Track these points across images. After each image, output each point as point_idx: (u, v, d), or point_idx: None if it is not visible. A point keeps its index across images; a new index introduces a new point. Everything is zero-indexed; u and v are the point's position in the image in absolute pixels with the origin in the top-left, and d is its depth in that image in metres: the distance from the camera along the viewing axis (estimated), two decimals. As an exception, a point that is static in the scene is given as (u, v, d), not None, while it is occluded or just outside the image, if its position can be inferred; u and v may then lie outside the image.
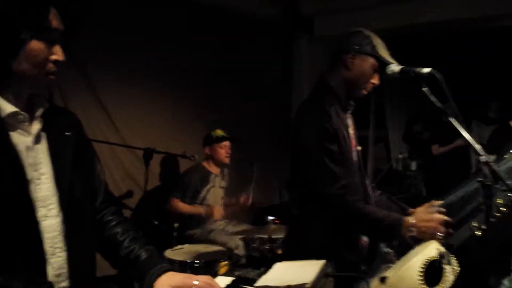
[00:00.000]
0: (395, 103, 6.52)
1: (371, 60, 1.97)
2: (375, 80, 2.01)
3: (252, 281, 1.39)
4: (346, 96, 2.05)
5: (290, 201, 2.15)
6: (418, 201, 2.19)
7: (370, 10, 4.87)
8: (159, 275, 1.33)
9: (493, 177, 1.54)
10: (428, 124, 5.63)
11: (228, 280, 1.44)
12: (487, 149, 3.81)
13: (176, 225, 3.27)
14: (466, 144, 1.66)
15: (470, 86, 5.56)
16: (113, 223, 1.44)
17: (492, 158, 1.59)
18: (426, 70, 1.73)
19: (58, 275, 1.25)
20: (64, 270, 1.26)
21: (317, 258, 1.51)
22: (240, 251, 3.28)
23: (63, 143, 1.32)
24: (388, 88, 6.14)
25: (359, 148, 2.14)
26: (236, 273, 1.49)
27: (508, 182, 1.60)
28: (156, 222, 3.38)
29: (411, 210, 2.12)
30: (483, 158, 1.55)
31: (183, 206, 3.62)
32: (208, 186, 3.77)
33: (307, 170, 1.97)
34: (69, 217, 1.28)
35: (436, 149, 5.36)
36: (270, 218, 3.13)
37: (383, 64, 1.95)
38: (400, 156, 5.91)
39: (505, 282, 2.44)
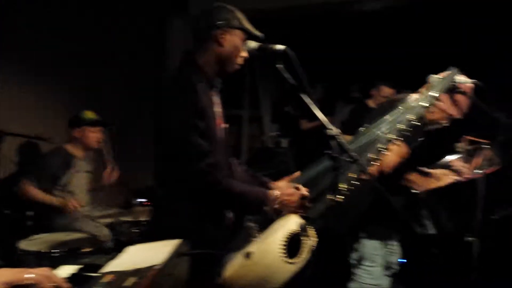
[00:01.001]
0: (268, 82, 6.68)
1: (240, 34, 1.98)
2: (245, 53, 2.02)
3: (100, 267, 1.31)
4: (216, 73, 2.04)
5: (155, 181, 2.09)
6: (286, 177, 2.26)
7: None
8: None
9: (340, 149, 1.63)
10: (298, 102, 5.85)
11: (73, 269, 1.34)
12: (346, 127, 4.08)
13: (29, 213, 2.98)
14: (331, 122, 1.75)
15: (337, 68, 5.94)
16: None
17: (339, 132, 1.67)
18: (281, 47, 1.76)
19: None
20: None
21: (182, 237, 1.48)
22: (107, 238, 3.13)
23: None
24: (261, 67, 6.27)
25: (225, 126, 2.14)
26: (83, 260, 1.40)
27: (354, 154, 1.71)
28: (7, 211, 3.05)
29: (273, 184, 2.18)
30: (330, 132, 1.63)
31: (35, 193, 3.28)
32: (71, 171, 3.51)
33: (174, 148, 1.92)
34: None
35: (305, 124, 5.58)
36: (138, 200, 3.02)
37: (250, 38, 1.98)
38: (273, 134, 6.11)
39: (360, 247, 2.65)
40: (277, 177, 2.26)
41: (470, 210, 2.32)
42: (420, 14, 4.98)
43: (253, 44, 1.94)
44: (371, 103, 4.44)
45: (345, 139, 2.18)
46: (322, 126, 1.65)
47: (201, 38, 2.01)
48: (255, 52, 1.93)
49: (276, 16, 5.21)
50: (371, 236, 2.61)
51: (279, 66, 1.76)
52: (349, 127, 3.62)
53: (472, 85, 2.34)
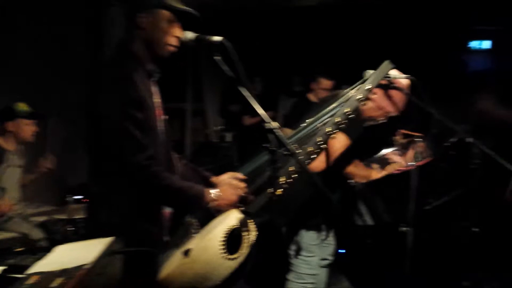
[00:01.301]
0: (211, 75, 6.61)
1: (164, 13, 1.89)
2: (177, 33, 1.92)
3: (26, 268, 1.24)
4: (150, 59, 1.95)
5: (89, 175, 1.99)
6: (230, 171, 2.23)
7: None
8: None
9: (278, 143, 1.63)
10: (239, 95, 5.84)
11: (-4, 270, 1.26)
12: (288, 121, 4.11)
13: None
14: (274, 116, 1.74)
15: (279, 62, 5.99)
16: None
17: (277, 125, 1.67)
18: (218, 38, 1.73)
19: None
20: None
21: (117, 234, 1.43)
22: (40, 238, 2.98)
23: None
24: (204, 60, 6.20)
25: (164, 117, 2.08)
26: (9, 261, 1.32)
27: (291, 147, 1.71)
28: None
29: (213, 179, 2.15)
30: (267, 126, 1.62)
31: None
32: (3, 166, 3.32)
33: (110, 140, 1.84)
34: None
35: (247, 120, 5.58)
36: (72, 197, 2.89)
37: (179, 15, 1.89)
38: (217, 128, 6.07)
39: (298, 238, 2.68)
40: (220, 172, 2.23)
41: (404, 201, 2.40)
42: (356, 9, 5.15)
43: (189, 35, 1.88)
44: (312, 97, 4.49)
45: (285, 133, 2.20)
46: (261, 120, 1.64)
47: (129, 25, 1.93)
48: (192, 43, 1.88)
49: (216, 8, 5.16)
50: (308, 227, 2.65)
51: (217, 58, 1.73)
52: (291, 121, 3.67)
53: (408, 81, 2.41)
